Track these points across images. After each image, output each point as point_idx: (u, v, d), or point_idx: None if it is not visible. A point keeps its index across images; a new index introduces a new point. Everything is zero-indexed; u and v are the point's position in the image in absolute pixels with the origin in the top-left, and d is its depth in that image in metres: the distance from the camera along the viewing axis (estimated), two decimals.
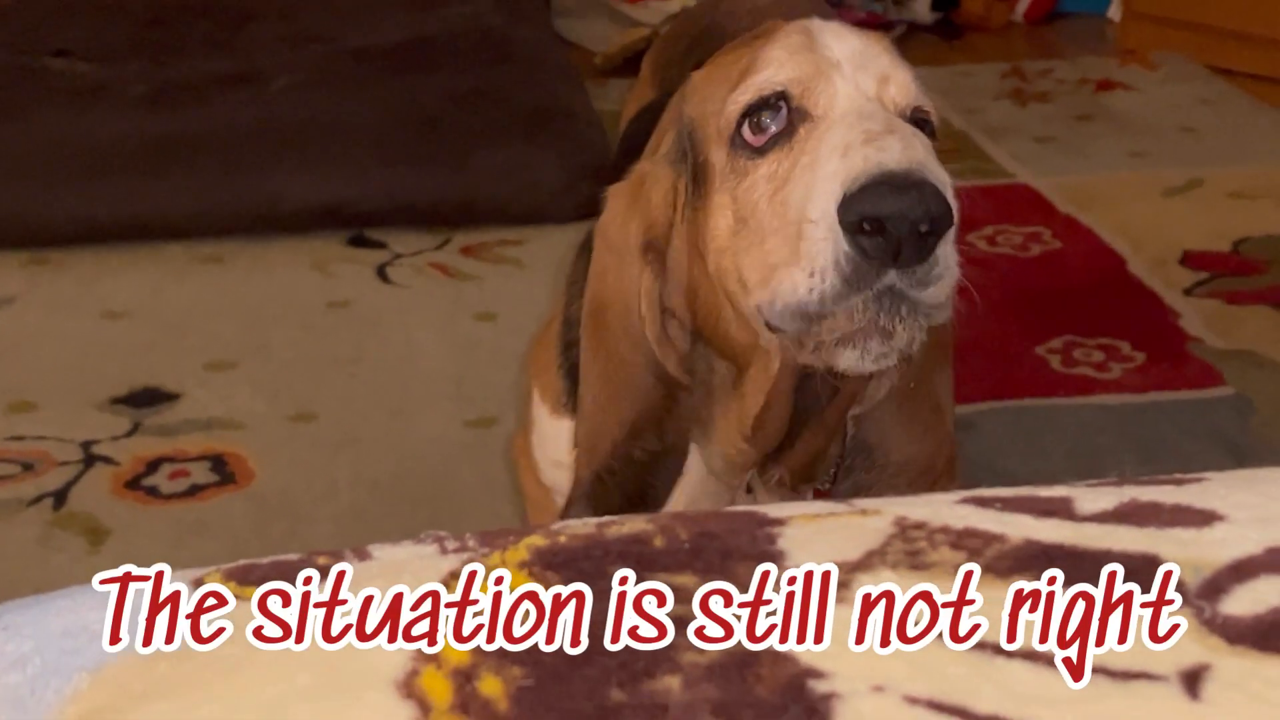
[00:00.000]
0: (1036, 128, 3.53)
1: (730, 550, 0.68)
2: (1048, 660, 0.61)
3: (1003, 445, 2.24)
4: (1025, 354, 2.49)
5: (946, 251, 1.07)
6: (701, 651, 0.62)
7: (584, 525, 0.72)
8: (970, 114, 3.61)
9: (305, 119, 3.05)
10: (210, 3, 3.74)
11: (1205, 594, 0.65)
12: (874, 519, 0.72)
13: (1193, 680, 0.60)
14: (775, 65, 1.19)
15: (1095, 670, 0.61)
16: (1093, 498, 0.74)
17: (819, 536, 0.70)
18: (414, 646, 0.63)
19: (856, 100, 1.14)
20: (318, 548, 2.02)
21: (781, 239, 1.13)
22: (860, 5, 4.24)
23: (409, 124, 3.04)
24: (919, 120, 1.19)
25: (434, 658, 0.62)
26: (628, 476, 1.31)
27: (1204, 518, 0.71)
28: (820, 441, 1.31)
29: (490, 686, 0.60)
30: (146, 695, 0.61)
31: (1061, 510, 0.72)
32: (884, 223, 1.04)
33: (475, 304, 2.66)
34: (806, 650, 0.62)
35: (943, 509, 0.73)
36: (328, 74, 3.24)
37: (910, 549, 0.69)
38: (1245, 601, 0.65)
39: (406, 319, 2.61)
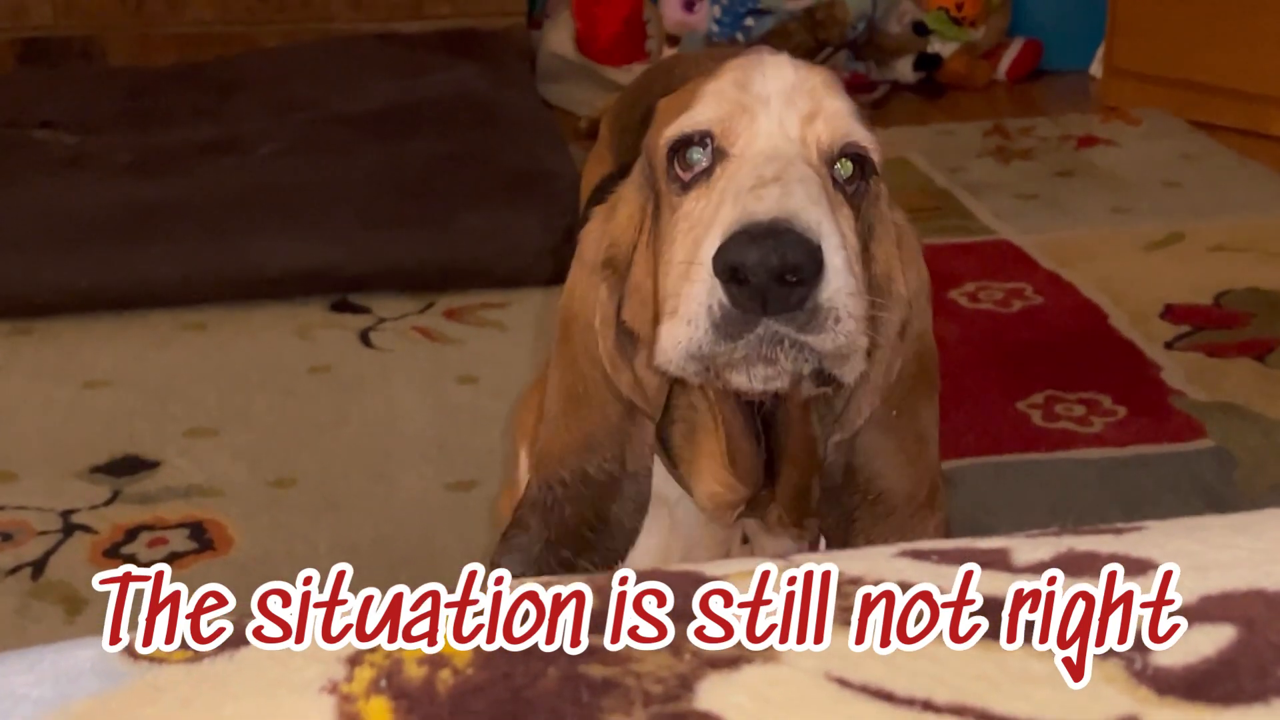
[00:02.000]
0: (1019, 184, 3.54)
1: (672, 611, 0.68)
2: (978, 715, 0.61)
3: (986, 501, 2.23)
4: (1006, 409, 2.49)
5: (834, 299, 1.08)
6: (628, 714, 0.61)
7: (521, 583, 0.72)
8: (953, 172, 3.63)
9: (289, 185, 3.06)
10: (196, 73, 3.77)
11: (1137, 645, 0.65)
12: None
13: None
14: (704, 102, 1.21)
15: None
16: (1030, 548, 0.73)
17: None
18: (337, 709, 0.63)
19: (772, 140, 1.17)
20: None
21: (682, 281, 1.15)
22: (843, 66, 4.27)
23: (393, 188, 3.06)
24: (854, 156, 1.20)
25: None
26: (582, 494, 1.31)
27: (1140, 566, 0.71)
28: (800, 473, 1.31)
29: None
30: None
31: (998, 562, 0.72)
32: (745, 272, 1.05)
33: (457, 367, 2.66)
34: (734, 709, 0.61)
35: (879, 562, 0.72)
36: (312, 140, 3.26)
37: (844, 604, 0.68)
38: (1177, 652, 0.64)
39: (389, 383, 2.61)
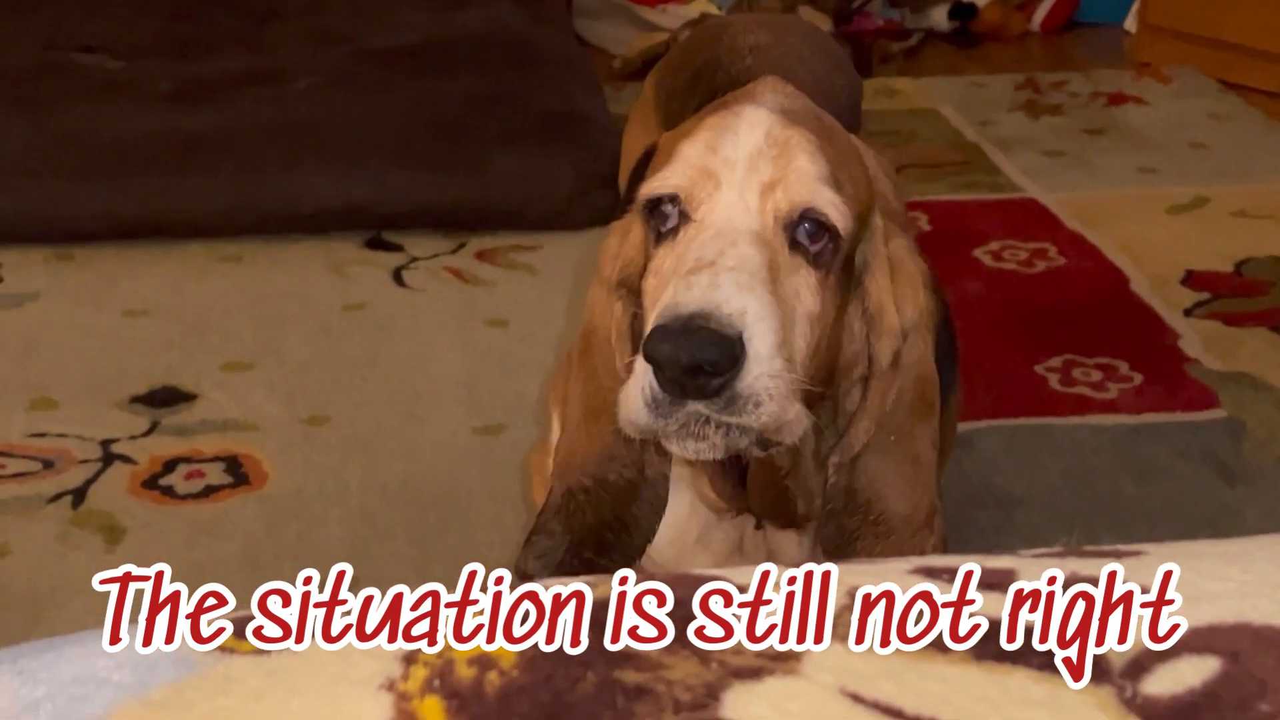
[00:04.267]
0: (1048, 141, 3.57)
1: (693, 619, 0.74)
2: None
3: (999, 463, 2.29)
4: (1025, 372, 2.53)
5: (754, 386, 1.16)
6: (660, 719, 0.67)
7: (560, 585, 0.78)
8: (983, 126, 3.65)
9: (326, 120, 3.11)
10: (233, 0, 3.79)
11: (1128, 673, 0.70)
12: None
13: None
14: (675, 165, 1.26)
15: None
16: (1035, 569, 0.79)
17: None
18: (394, 706, 0.69)
19: (728, 212, 1.23)
20: (329, 551, 2.09)
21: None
22: (878, 13, 4.28)
23: (428, 127, 3.09)
24: (814, 221, 1.25)
25: (412, 717, 0.68)
26: (602, 499, 1.39)
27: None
28: (762, 498, 1.38)
29: None
30: None
31: (1004, 584, 0.77)
32: (662, 365, 1.14)
33: (488, 310, 2.71)
34: (758, 719, 0.67)
35: (895, 579, 0.78)
36: (349, 75, 3.30)
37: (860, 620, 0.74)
38: (1165, 681, 0.70)
39: (420, 323, 2.67)
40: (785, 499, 1.40)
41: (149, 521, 2.12)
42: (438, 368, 2.53)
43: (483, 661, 0.71)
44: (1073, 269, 2.91)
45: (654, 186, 1.28)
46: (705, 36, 1.95)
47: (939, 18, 4.32)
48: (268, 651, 0.73)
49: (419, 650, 0.72)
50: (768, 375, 1.16)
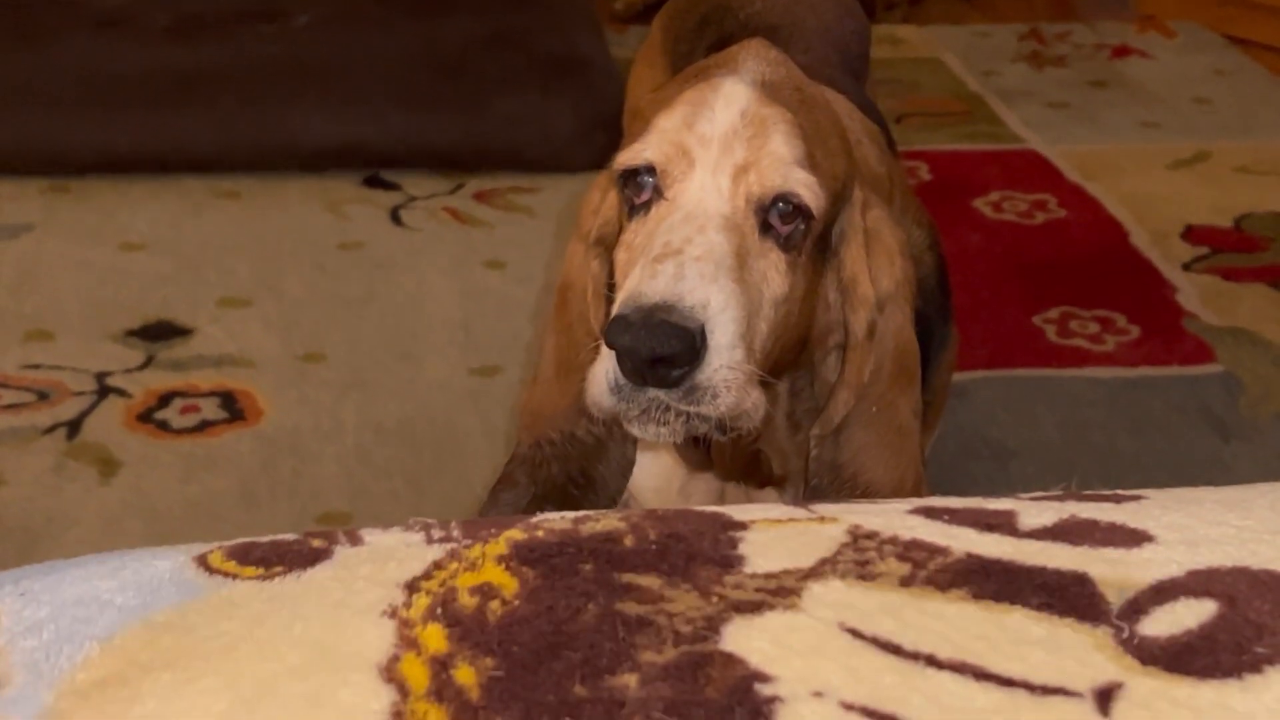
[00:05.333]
0: (1051, 93, 3.55)
1: (694, 553, 0.74)
2: (976, 673, 0.67)
3: (994, 414, 2.29)
4: (1022, 323, 2.54)
5: (712, 378, 1.16)
6: (659, 652, 0.67)
7: (561, 520, 0.78)
8: (986, 76, 3.64)
9: (326, 58, 3.09)
10: None
11: (1126, 615, 0.71)
12: (830, 526, 0.77)
13: (1105, 698, 0.66)
14: (651, 137, 1.25)
15: (1015, 683, 0.66)
16: (1035, 512, 0.79)
17: (778, 542, 0.75)
18: (396, 632, 0.69)
19: (700, 194, 1.22)
20: (324, 488, 2.10)
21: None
22: None
23: (428, 67, 3.08)
24: (785, 203, 1.24)
25: (414, 644, 0.68)
26: (569, 453, 1.39)
27: (1135, 538, 0.76)
28: (731, 464, 1.40)
29: (464, 675, 0.66)
30: (152, 665, 0.67)
31: (1004, 525, 0.77)
32: (622, 355, 1.15)
33: (485, 251, 2.71)
34: (756, 653, 0.67)
35: (895, 518, 0.78)
36: (349, 12, 3.27)
37: (860, 558, 0.74)
38: (1162, 623, 0.70)
39: (417, 263, 2.66)
40: (757, 462, 1.40)
41: (144, 455, 2.12)
42: (434, 308, 2.52)
43: (485, 591, 0.71)
44: (1072, 221, 2.91)
45: (629, 158, 1.27)
46: None
47: None
48: (270, 577, 0.73)
49: (421, 579, 0.72)
50: (727, 367, 1.16)
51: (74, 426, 2.17)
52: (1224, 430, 2.27)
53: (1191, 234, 2.86)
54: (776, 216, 1.24)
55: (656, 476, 1.48)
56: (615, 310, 1.17)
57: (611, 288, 1.35)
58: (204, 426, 2.19)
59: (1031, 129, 3.33)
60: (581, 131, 2.97)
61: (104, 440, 2.14)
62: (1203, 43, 3.89)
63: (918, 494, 1.37)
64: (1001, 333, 2.50)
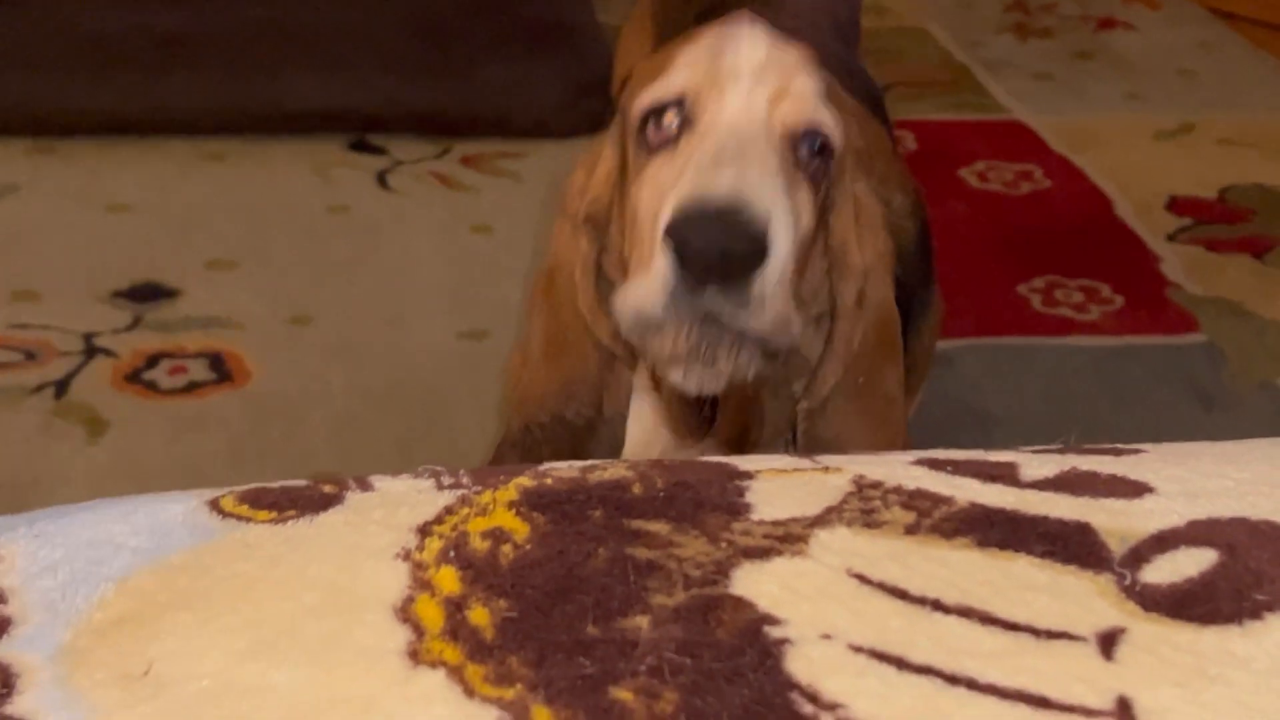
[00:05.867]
0: (1036, 64, 3.56)
1: (702, 501, 0.75)
2: (981, 617, 0.68)
3: (980, 382, 2.31)
4: (1007, 292, 2.55)
5: (767, 282, 1.13)
6: (669, 595, 0.68)
7: (569, 468, 0.79)
8: (972, 46, 3.65)
9: (312, 20, 3.08)
10: None
11: (1128, 562, 0.72)
12: (835, 476, 0.78)
13: (1109, 642, 0.67)
14: (679, 70, 1.24)
15: (1021, 628, 0.67)
16: (1037, 464, 0.80)
17: (784, 491, 0.76)
18: (410, 574, 0.70)
19: (738, 117, 1.20)
20: (312, 450, 2.10)
21: (641, 243, 1.21)
22: None
23: (415, 31, 3.07)
24: (816, 137, 1.24)
25: (428, 585, 0.69)
26: (559, 435, 1.38)
27: (1136, 489, 0.77)
28: (732, 426, 1.39)
29: (478, 616, 0.67)
30: (170, 605, 0.68)
31: (1007, 476, 0.78)
32: (692, 249, 1.11)
33: (472, 216, 2.71)
34: (765, 597, 0.68)
35: (898, 469, 0.79)
36: None
37: (865, 507, 0.75)
38: (1163, 571, 0.71)
39: (404, 227, 2.66)
40: (747, 428, 1.41)
41: (132, 415, 2.12)
42: (422, 272, 2.52)
43: (496, 535, 0.72)
44: (1057, 192, 2.92)
45: (657, 92, 1.25)
46: None
47: None
48: (283, 520, 0.74)
49: (433, 524, 0.73)
50: (780, 275, 1.15)
51: (62, 386, 2.17)
52: (1207, 399, 2.28)
53: (1175, 205, 2.88)
54: (804, 153, 1.24)
55: (639, 444, 1.49)
56: (675, 212, 1.14)
57: (600, 267, 1.35)
58: (192, 388, 2.19)
59: (1017, 100, 3.34)
60: (568, 97, 2.97)
61: (92, 400, 2.14)
62: (1187, 15, 3.91)
63: None
64: (987, 301, 2.51)
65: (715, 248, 1.11)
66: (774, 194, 1.15)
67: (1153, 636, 0.67)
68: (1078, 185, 2.94)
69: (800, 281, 1.25)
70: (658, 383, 1.41)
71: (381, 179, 2.83)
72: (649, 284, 1.16)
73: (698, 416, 1.43)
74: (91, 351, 2.26)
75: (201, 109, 2.93)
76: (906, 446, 1.40)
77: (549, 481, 0.77)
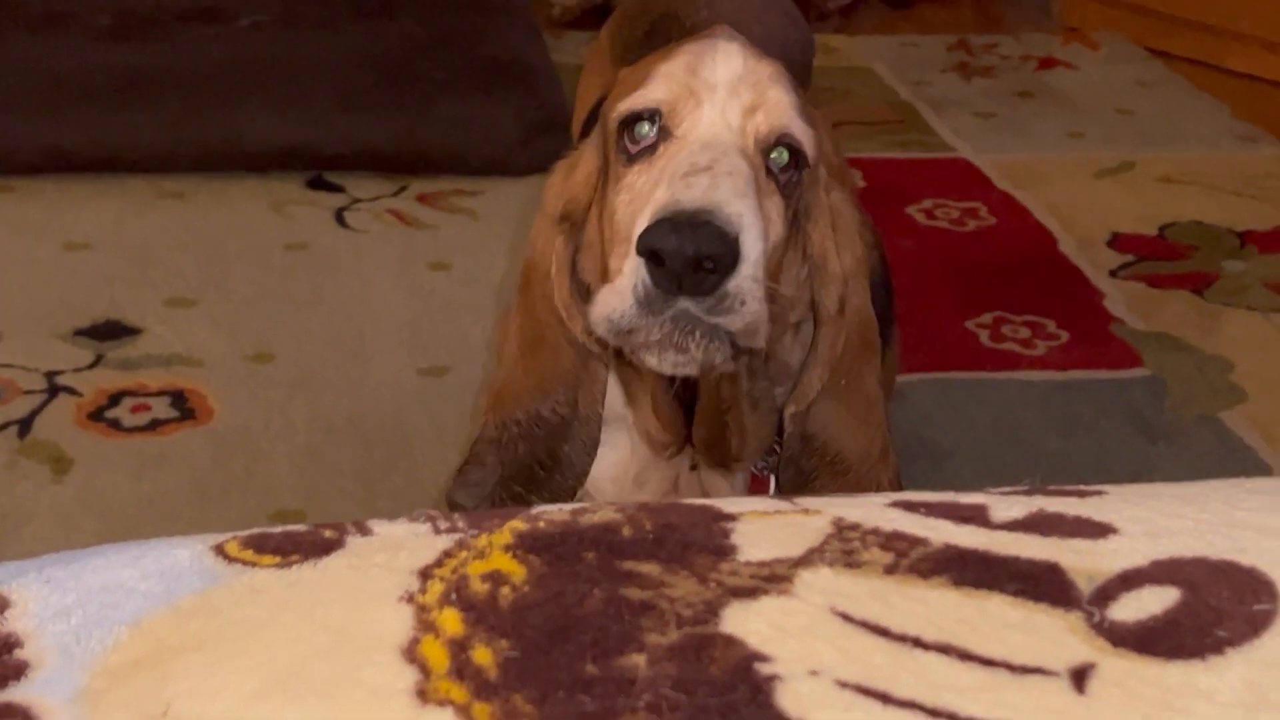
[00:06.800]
0: (979, 103, 3.63)
1: (689, 542, 0.78)
2: (959, 653, 0.72)
3: (930, 416, 2.35)
4: (956, 327, 2.60)
5: (740, 286, 1.19)
6: (663, 633, 0.72)
7: (559, 511, 0.82)
8: (916, 86, 3.71)
9: (269, 59, 3.11)
10: None
11: (1096, 600, 0.76)
12: (815, 518, 0.82)
13: (1080, 677, 0.71)
14: (656, 82, 1.30)
15: (997, 663, 0.71)
16: (1005, 506, 0.84)
17: (767, 533, 0.80)
18: (414, 617, 0.73)
19: (713, 128, 1.27)
20: (276, 485, 2.12)
21: (618, 248, 1.27)
22: None
23: (371, 70, 3.11)
24: (788, 147, 1.30)
25: (432, 627, 0.72)
26: (535, 434, 1.43)
27: (1100, 530, 0.81)
28: (709, 430, 1.43)
29: (482, 656, 0.70)
30: (183, 648, 0.71)
31: (978, 517, 0.82)
32: (665, 257, 1.17)
33: (430, 253, 2.74)
34: (754, 635, 0.72)
35: (874, 511, 0.83)
36: (292, 14, 3.30)
37: (846, 548, 0.79)
38: (1130, 609, 0.75)
39: (363, 264, 2.69)
40: (725, 435, 1.44)
41: (96, 453, 2.13)
42: (381, 308, 2.55)
43: (495, 577, 0.75)
44: (1003, 228, 2.98)
45: (634, 102, 1.31)
46: None
47: None
48: (288, 565, 0.77)
49: (433, 567, 0.76)
50: (752, 279, 1.20)
51: (25, 425, 2.18)
52: (1150, 432, 2.34)
53: (1118, 241, 2.94)
54: (776, 163, 1.29)
55: (614, 466, 1.53)
56: (650, 220, 1.19)
57: (576, 266, 1.39)
58: (155, 425, 2.21)
59: (961, 138, 3.41)
60: (524, 135, 3.01)
61: (55, 438, 2.16)
62: (1126, 55, 3.99)
63: (885, 461, 1.42)
64: (936, 337, 2.56)
65: (687, 254, 1.16)
66: (745, 202, 1.20)
67: (1122, 671, 0.71)
68: (1022, 222, 3.01)
69: (776, 288, 1.30)
70: (633, 381, 1.44)
71: (339, 216, 2.86)
72: (624, 290, 1.21)
73: (677, 417, 1.45)
74: (54, 390, 2.27)
75: (160, 147, 2.95)
76: (886, 444, 1.45)
77: (541, 525, 0.80)
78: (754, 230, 1.20)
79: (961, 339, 2.57)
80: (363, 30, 3.22)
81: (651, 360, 1.24)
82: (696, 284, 1.18)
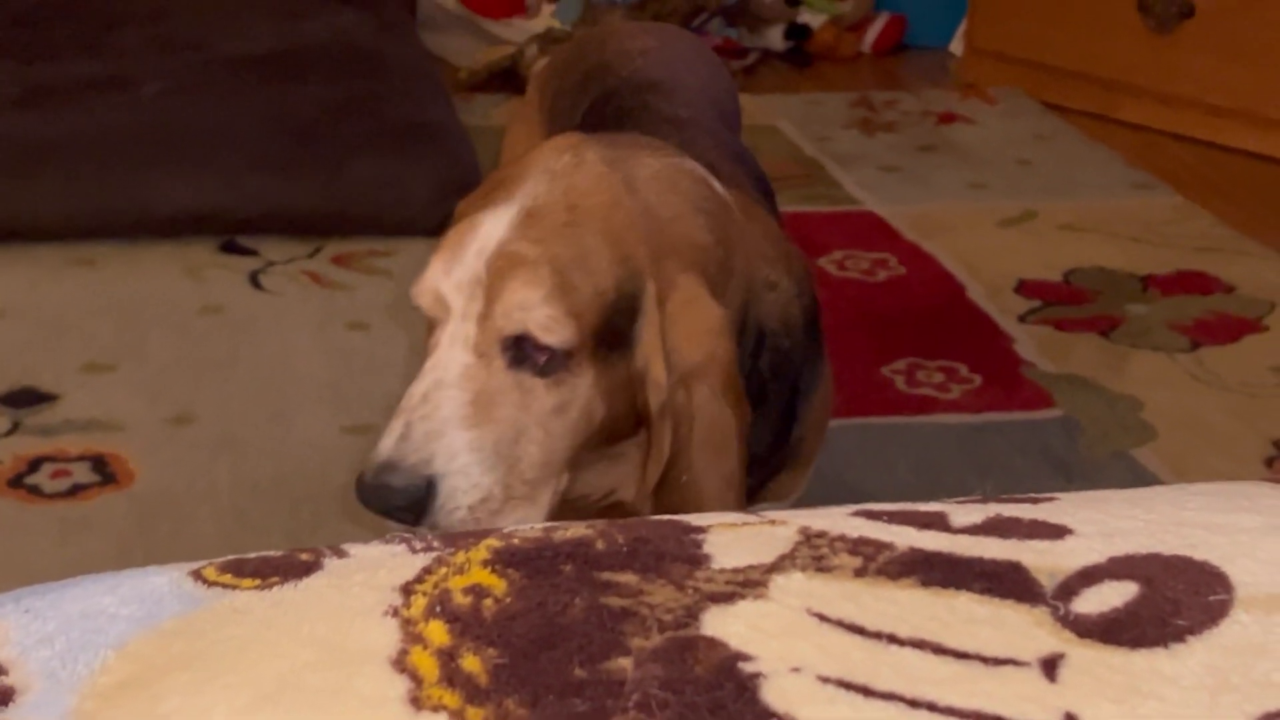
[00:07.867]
0: (883, 157, 3.70)
1: (663, 553, 0.80)
2: (933, 648, 0.74)
3: (851, 460, 2.39)
4: (872, 374, 2.64)
5: (444, 505, 1.31)
6: (646, 638, 0.73)
7: (531, 529, 0.84)
8: (821, 141, 3.78)
9: (177, 124, 3.10)
10: (76, 5, 3.76)
11: (1059, 595, 0.78)
12: (782, 528, 0.84)
13: (1050, 666, 0.73)
14: (425, 281, 1.36)
15: (971, 656, 0.74)
16: (964, 513, 0.87)
17: (737, 542, 0.82)
18: (401, 629, 0.74)
19: (448, 345, 1.34)
20: (201, 547, 2.11)
21: None
22: (716, 32, 4.39)
23: (280, 133, 3.11)
24: (532, 342, 1.33)
25: (419, 639, 0.73)
26: None
27: (1057, 531, 0.84)
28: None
29: (471, 664, 0.71)
30: (171, 667, 0.71)
31: (938, 523, 0.85)
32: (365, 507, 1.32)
33: (348, 313, 2.74)
34: (735, 636, 0.74)
35: (839, 520, 0.85)
36: (199, 80, 3.30)
37: (815, 554, 0.81)
38: (1092, 602, 0.78)
39: (280, 325, 2.69)
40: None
41: (18, 519, 2.11)
42: (302, 368, 2.55)
43: (477, 590, 0.77)
44: (912, 278, 3.03)
45: (416, 292, 1.37)
46: (592, 41, 2.02)
47: (774, 37, 4.45)
48: (268, 586, 0.78)
49: (414, 583, 0.77)
50: (461, 490, 1.30)
51: None
52: (1066, 469, 2.39)
53: (1024, 288, 3.01)
54: (528, 350, 1.34)
55: None
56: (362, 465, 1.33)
57: None
58: (76, 490, 2.19)
59: (867, 191, 3.47)
60: (437, 195, 3.02)
61: None
62: (1022, 108, 4.09)
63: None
64: (854, 383, 2.60)
65: (375, 509, 1.31)
66: (444, 440, 1.30)
67: (1089, 660, 0.74)
68: (931, 271, 3.06)
69: (585, 433, 1.39)
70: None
71: (254, 279, 2.85)
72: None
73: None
74: None
75: (69, 215, 2.93)
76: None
77: (516, 541, 0.81)
78: (458, 462, 1.30)
79: (879, 385, 2.61)
80: (272, 94, 3.23)
81: None
82: (401, 520, 1.31)
